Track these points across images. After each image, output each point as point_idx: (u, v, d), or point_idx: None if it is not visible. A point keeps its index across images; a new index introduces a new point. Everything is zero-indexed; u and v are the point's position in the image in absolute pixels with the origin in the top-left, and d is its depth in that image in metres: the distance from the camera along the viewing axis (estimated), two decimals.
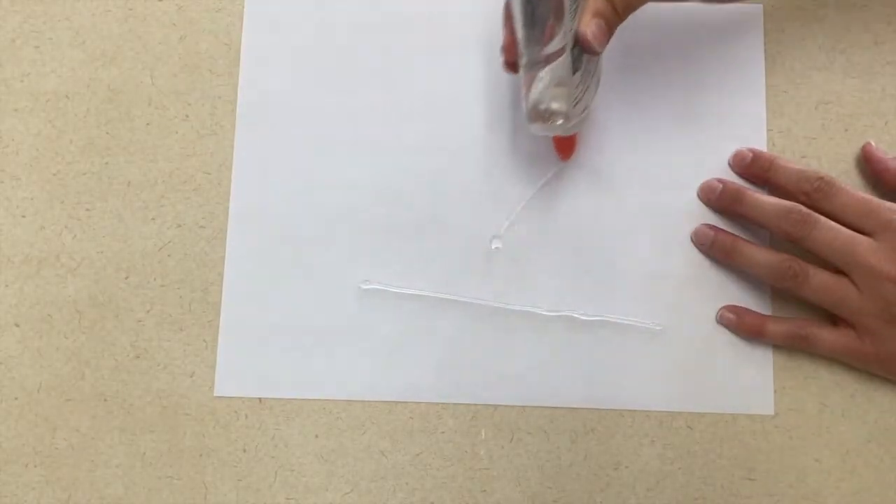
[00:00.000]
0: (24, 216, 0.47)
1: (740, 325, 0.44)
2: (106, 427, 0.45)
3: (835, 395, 0.44)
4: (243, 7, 0.48)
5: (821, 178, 0.42)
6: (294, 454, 0.44)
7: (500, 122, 0.47)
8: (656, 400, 0.44)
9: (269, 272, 0.46)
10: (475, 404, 0.45)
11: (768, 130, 0.46)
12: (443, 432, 0.44)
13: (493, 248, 0.46)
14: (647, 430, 0.44)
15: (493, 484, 0.44)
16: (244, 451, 0.44)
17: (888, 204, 0.41)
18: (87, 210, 0.47)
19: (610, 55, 0.47)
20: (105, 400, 0.45)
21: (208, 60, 0.48)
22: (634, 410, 0.44)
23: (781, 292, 0.45)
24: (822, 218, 0.41)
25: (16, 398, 0.45)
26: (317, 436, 0.44)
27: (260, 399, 0.45)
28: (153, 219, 0.46)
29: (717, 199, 0.45)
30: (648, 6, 0.41)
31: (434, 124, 0.47)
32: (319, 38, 0.48)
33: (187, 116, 0.47)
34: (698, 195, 0.45)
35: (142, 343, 0.45)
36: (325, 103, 0.47)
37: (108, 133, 0.47)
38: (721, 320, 0.44)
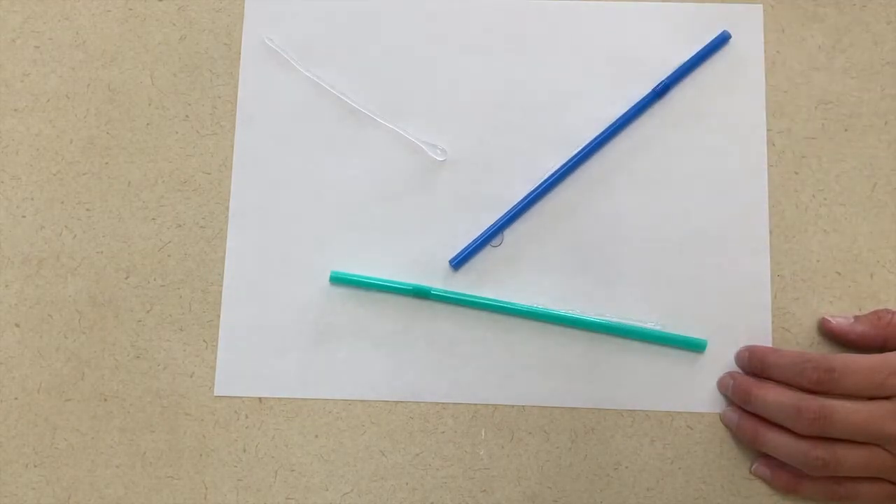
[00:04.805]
0: (24, 216, 0.47)
1: (773, 482, 0.43)
2: (106, 427, 0.45)
3: None
4: (243, 7, 0.48)
5: (818, 370, 0.40)
6: (294, 454, 0.44)
7: (501, 120, 0.47)
8: (656, 400, 0.44)
9: (269, 272, 0.46)
10: (475, 404, 0.45)
11: (768, 130, 0.46)
12: (443, 432, 0.44)
13: (492, 245, 0.46)
14: (647, 430, 0.44)
15: (493, 484, 0.44)
16: (244, 451, 0.44)
17: (891, 364, 0.39)
18: (87, 210, 0.47)
19: (611, 57, 0.47)
20: (105, 400, 0.45)
21: (208, 60, 0.48)
22: (634, 410, 0.44)
23: (782, 296, 0.45)
24: (834, 407, 0.39)
25: (16, 398, 0.45)
26: (317, 436, 0.44)
27: (260, 399, 0.45)
28: (153, 219, 0.46)
29: (731, 396, 0.43)
30: None
31: (435, 123, 0.47)
32: (319, 38, 0.48)
33: (187, 116, 0.47)
34: (718, 389, 0.44)
35: (142, 343, 0.45)
36: (326, 103, 0.47)
37: (108, 133, 0.47)
38: (755, 472, 0.43)
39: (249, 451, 0.44)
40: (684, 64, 0.47)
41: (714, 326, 0.45)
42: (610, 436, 0.44)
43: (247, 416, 0.45)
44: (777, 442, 0.41)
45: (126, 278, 0.46)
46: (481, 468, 0.44)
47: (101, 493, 0.44)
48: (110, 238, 0.46)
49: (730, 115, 0.47)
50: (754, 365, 0.43)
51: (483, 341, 0.45)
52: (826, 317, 0.44)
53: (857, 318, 0.43)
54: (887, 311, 0.43)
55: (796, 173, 0.46)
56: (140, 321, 0.46)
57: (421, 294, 0.45)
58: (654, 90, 0.46)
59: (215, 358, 0.45)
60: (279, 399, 0.45)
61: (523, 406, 0.45)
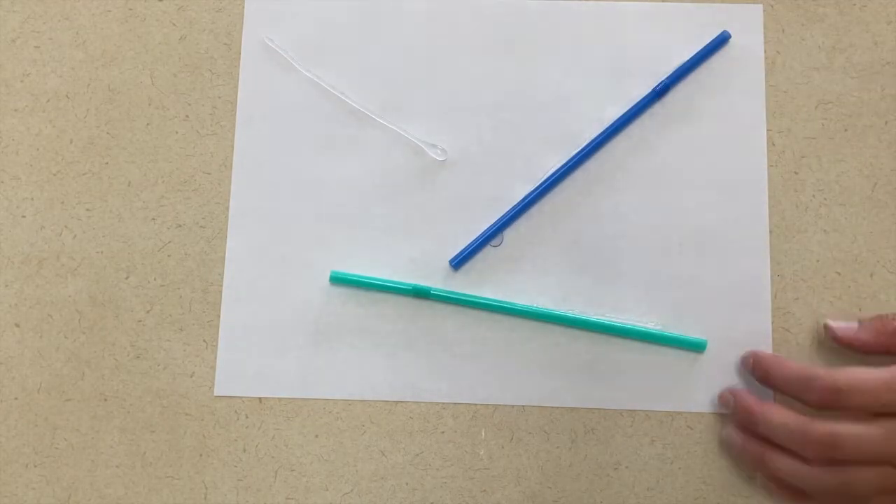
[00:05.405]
0: (24, 216, 0.47)
1: (779, 496, 0.42)
2: (106, 427, 0.45)
3: None
4: (243, 7, 0.48)
5: (823, 390, 0.39)
6: (294, 454, 0.44)
7: (501, 120, 0.47)
8: (656, 400, 0.44)
9: (269, 272, 0.46)
10: (475, 404, 0.45)
11: (768, 130, 0.46)
12: (443, 432, 0.44)
13: (492, 245, 0.46)
14: (647, 430, 0.44)
15: (493, 484, 0.44)
16: (244, 451, 0.44)
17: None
18: (87, 210, 0.47)
19: (611, 57, 0.47)
20: (105, 400, 0.45)
21: (208, 60, 0.48)
22: (634, 410, 0.44)
23: (782, 296, 0.45)
24: (842, 435, 0.38)
25: (16, 398, 0.45)
26: (317, 436, 0.44)
27: (260, 399, 0.45)
28: (153, 219, 0.46)
29: (732, 414, 0.43)
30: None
31: (435, 122, 0.47)
32: (319, 38, 0.48)
33: (187, 116, 0.47)
34: (719, 403, 0.43)
35: (142, 343, 0.45)
36: (326, 103, 0.47)
37: (108, 133, 0.47)
38: (762, 487, 0.42)
39: (249, 451, 0.44)
40: (684, 64, 0.47)
41: (714, 326, 0.45)
42: (610, 436, 0.44)
43: (247, 416, 0.45)
44: (785, 466, 0.40)
45: (126, 278, 0.46)
46: (481, 468, 0.44)
47: (101, 493, 0.44)
48: (110, 238, 0.46)
49: (730, 115, 0.47)
50: (758, 374, 0.43)
51: (483, 341, 0.45)
52: (829, 322, 0.43)
53: (861, 324, 0.43)
54: (887, 316, 0.42)
55: (796, 173, 0.46)
56: (140, 321, 0.46)
57: (421, 294, 0.45)
58: (654, 90, 0.46)
59: (215, 358, 0.45)
60: (279, 399, 0.45)
61: (523, 406, 0.45)
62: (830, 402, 0.39)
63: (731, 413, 0.43)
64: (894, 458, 0.38)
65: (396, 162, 0.47)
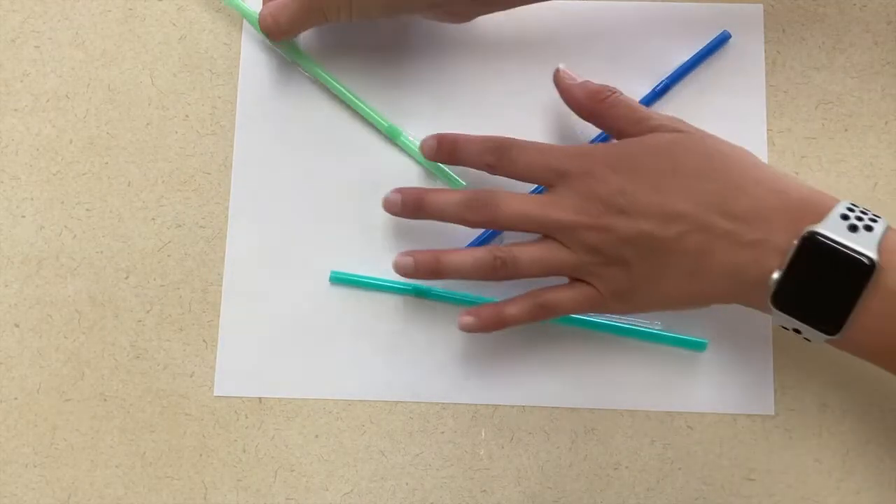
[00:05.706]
0: (24, 216, 0.47)
1: (481, 324, 0.41)
2: (106, 427, 0.45)
3: (835, 395, 0.44)
4: None
5: (495, 149, 0.41)
6: (294, 454, 0.44)
7: (502, 120, 0.47)
8: (656, 400, 0.44)
9: (268, 272, 0.46)
10: (475, 404, 0.45)
11: (768, 130, 0.46)
12: (443, 432, 0.44)
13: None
14: (647, 430, 0.44)
15: (493, 484, 0.44)
16: (244, 451, 0.44)
17: (561, 151, 0.41)
18: (87, 210, 0.47)
19: (611, 57, 0.47)
20: (105, 400, 0.45)
21: (208, 60, 0.48)
22: (634, 410, 0.44)
23: None
24: (501, 199, 0.41)
25: (16, 398, 0.45)
26: (317, 436, 0.44)
27: (260, 399, 0.45)
28: (153, 219, 0.46)
29: (402, 210, 0.43)
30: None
31: (435, 122, 0.47)
32: (319, 38, 0.48)
33: (187, 116, 0.47)
34: (384, 208, 0.43)
35: (142, 343, 0.45)
36: (326, 103, 0.47)
37: (108, 133, 0.47)
38: (463, 328, 0.42)
39: (249, 451, 0.44)
40: (684, 64, 0.47)
41: (714, 326, 0.45)
42: (610, 436, 0.44)
43: (247, 417, 0.45)
44: (457, 260, 0.41)
45: (126, 278, 0.46)
46: (481, 468, 0.44)
47: (101, 493, 0.44)
48: (110, 238, 0.46)
49: (730, 115, 0.47)
50: (445, 150, 0.43)
51: (483, 341, 0.45)
52: (560, 66, 0.44)
53: (585, 83, 0.43)
54: (611, 89, 0.42)
55: (796, 173, 0.46)
56: (140, 321, 0.46)
57: (421, 294, 0.45)
58: (654, 90, 0.46)
59: (215, 358, 0.45)
60: (279, 399, 0.45)
61: (523, 406, 0.45)
62: (501, 161, 0.41)
63: (401, 209, 0.43)
64: (554, 230, 0.40)
65: (397, 162, 0.47)
